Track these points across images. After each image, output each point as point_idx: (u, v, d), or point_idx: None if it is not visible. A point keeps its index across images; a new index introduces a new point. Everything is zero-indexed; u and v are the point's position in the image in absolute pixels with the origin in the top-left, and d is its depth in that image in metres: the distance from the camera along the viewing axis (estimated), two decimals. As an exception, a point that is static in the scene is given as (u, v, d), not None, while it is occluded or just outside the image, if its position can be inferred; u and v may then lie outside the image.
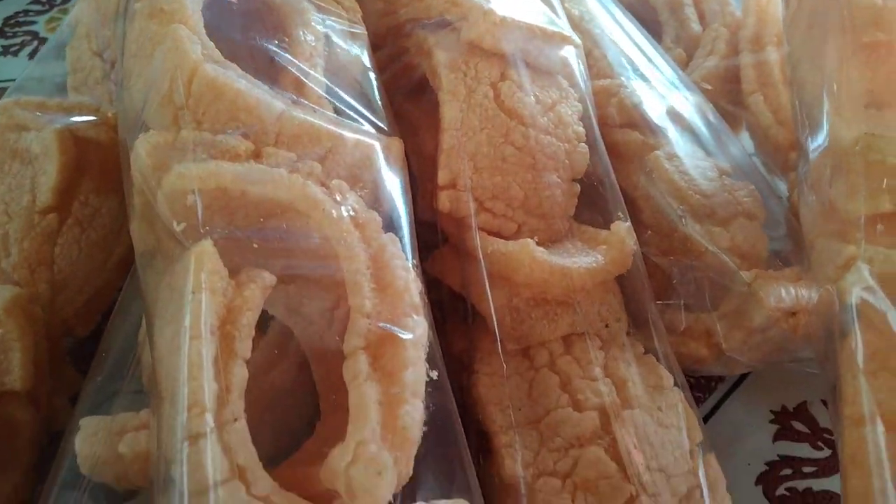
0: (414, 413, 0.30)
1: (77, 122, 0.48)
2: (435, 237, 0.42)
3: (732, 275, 0.42)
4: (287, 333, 0.36)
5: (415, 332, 0.32)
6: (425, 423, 0.30)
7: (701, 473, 0.36)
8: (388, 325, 0.32)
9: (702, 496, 0.36)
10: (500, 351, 0.39)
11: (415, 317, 0.32)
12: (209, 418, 0.29)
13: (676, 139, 0.46)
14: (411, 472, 0.30)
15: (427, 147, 0.44)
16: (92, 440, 0.37)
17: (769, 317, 0.40)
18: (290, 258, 0.33)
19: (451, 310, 0.42)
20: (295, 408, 0.36)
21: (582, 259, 0.40)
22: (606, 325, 0.41)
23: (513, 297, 0.39)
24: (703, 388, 0.49)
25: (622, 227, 0.41)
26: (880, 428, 0.31)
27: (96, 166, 0.48)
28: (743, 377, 0.50)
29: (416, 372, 0.31)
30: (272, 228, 0.33)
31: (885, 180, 0.35)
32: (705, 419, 0.47)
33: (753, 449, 0.46)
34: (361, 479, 0.28)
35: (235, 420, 0.30)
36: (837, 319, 0.34)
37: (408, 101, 0.47)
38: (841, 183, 0.36)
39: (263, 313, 0.32)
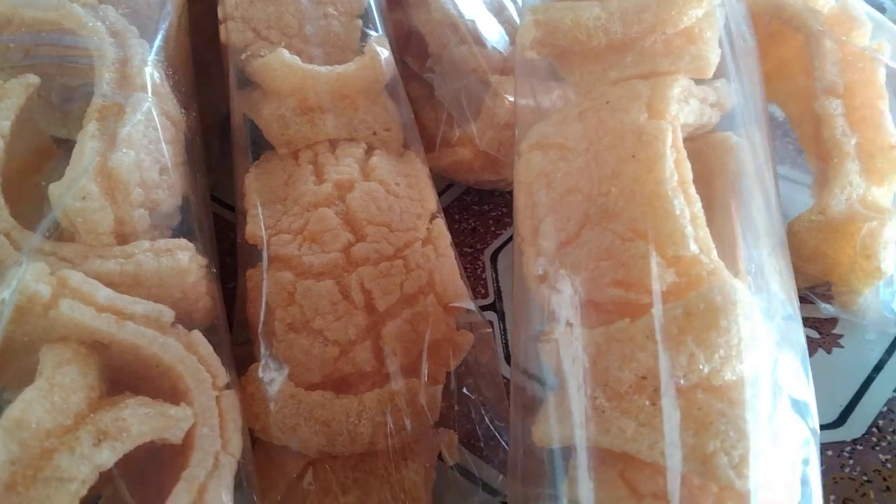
0: (124, 159, 0.36)
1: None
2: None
3: (487, 84, 0.47)
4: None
5: (138, 105, 0.38)
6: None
7: (425, 230, 0.41)
8: (119, 99, 0.38)
9: (423, 248, 0.41)
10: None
11: (140, 93, 0.39)
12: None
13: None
14: (132, 219, 0.37)
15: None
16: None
17: (509, 110, 0.45)
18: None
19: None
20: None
21: (336, 67, 0.45)
22: (374, 133, 0.46)
23: (280, 106, 0.45)
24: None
25: (374, 39, 0.46)
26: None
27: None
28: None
29: (133, 131, 0.37)
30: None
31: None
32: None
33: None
34: (71, 204, 0.35)
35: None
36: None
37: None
38: None
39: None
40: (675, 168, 0.33)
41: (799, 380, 0.34)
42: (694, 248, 0.32)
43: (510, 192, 0.56)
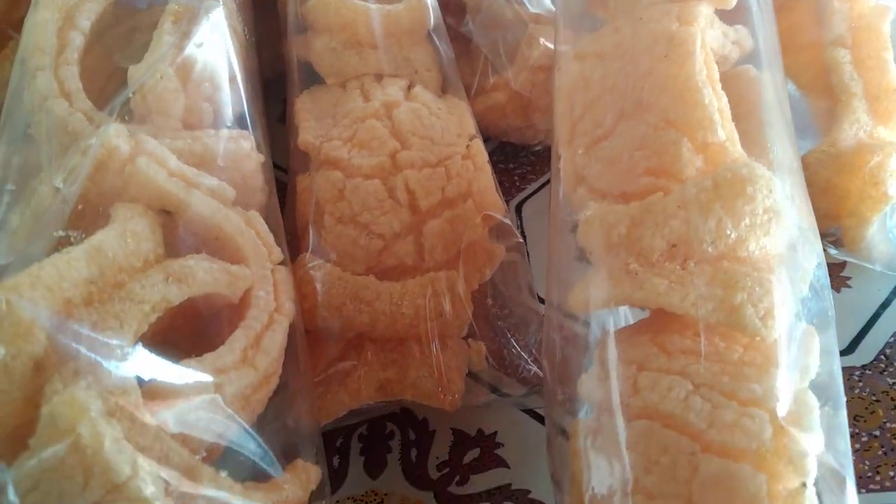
0: (196, 52, 0.40)
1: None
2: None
3: (523, 31, 0.51)
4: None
5: (210, 10, 0.42)
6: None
7: (465, 147, 0.44)
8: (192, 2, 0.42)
9: (463, 161, 0.44)
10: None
11: (212, 1, 0.42)
12: (47, 58, 0.40)
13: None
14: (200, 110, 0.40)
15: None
16: None
17: (543, 53, 0.49)
18: None
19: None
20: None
21: (386, 6, 0.49)
22: (416, 72, 0.50)
23: (331, 40, 0.49)
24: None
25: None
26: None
27: None
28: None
29: (204, 32, 0.41)
30: None
31: None
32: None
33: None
34: (148, 82, 0.38)
35: (68, 65, 0.40)
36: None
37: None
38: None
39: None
40: (704, 65, 0.36)
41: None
42: (721, 134, 0.35)
43: (535, 151, 0.60)
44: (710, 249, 0.33)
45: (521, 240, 0.44)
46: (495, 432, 0.44)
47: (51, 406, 0.27)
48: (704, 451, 0.29)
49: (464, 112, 0.47)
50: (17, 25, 0.62)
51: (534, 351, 0.44)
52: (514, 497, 0.42)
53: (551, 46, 0.50)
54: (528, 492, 0.42)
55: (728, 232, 0.33)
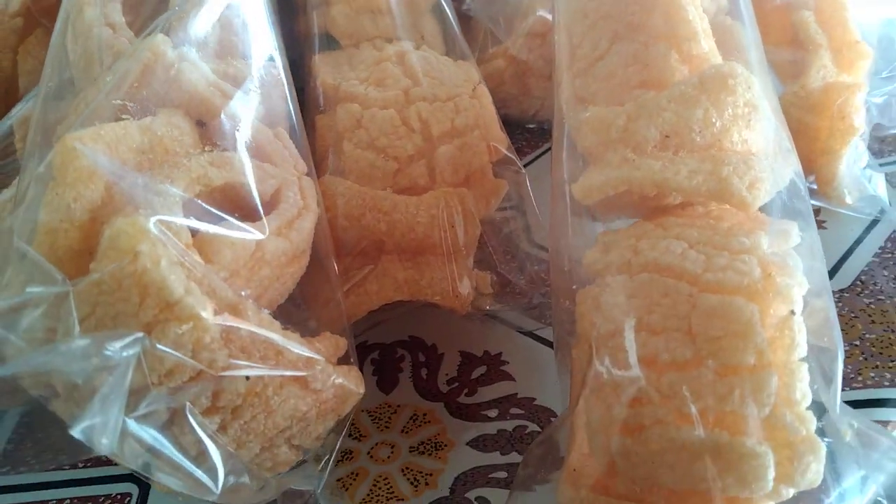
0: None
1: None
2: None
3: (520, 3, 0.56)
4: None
5: None
6: None
7: (471, 90, 0.48)
8: None
9: (471, 100, 0.48)
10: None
11: None
12: (94, -5, 0.44)
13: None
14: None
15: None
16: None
17: (537, 20, 0.54)
18: None
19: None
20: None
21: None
22: (423, 37, 0.55)
23: (347, 6, 0.54)
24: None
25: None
26: None
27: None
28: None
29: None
30: None
31: None
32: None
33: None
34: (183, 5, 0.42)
35: (112, 1, 0.44)
36: None
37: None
38: None
39: None
40: (688, -10, 0.41)
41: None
42: (704, 46, 0.40)
43: (530, 129, 0.64)
44: (698, 139, 0.37)
45: (523, 170, 0.48)
46: (500, 352, 0.47)
47: (112, 229, 0.29)
48: (701, 291, 0.32)
49: (469, 66, 0.52)
50: (46, 12, 0.67)
51: (533, 281, 0.47)
52: (520, 404, 0.44)
53: (546, 15, 0.55)
54: (534, 399, 0.44)
55: (714, 121, 0.37)
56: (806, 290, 0.33)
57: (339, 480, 0.40)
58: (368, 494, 0.40)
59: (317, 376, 0.33)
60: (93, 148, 0.31)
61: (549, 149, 0.52)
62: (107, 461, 0.44)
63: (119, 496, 0.42)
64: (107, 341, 0.27)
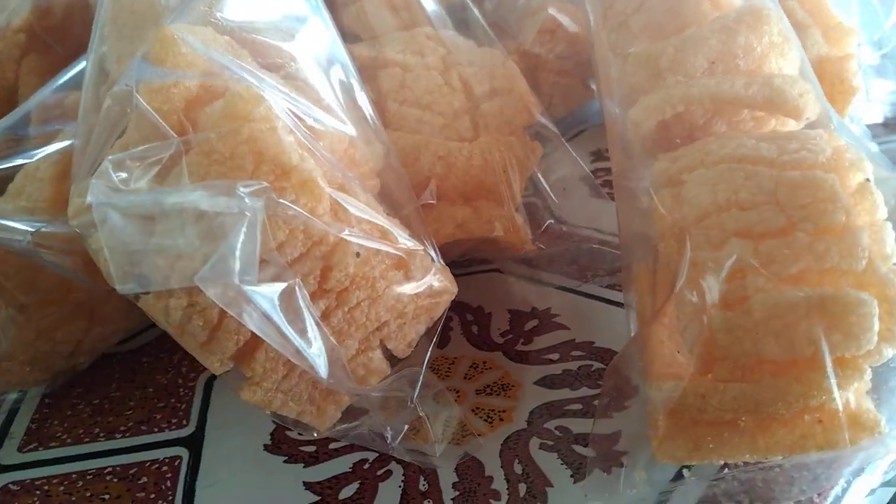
0: None
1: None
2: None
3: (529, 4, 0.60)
4: None
5: None
6: None
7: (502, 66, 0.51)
8: None
9: (503, 69, 0.50)
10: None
11: None
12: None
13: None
14: None
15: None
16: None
17: (547, 17, 0.58)
18: None
19: None
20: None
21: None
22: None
23: (370, 3, 0.56)
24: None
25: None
26: None
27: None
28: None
29: None
30: None
31: None
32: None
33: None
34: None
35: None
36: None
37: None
38: None
39: None
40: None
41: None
42: (734, -8, 0.43)
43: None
44: (741, 64, 0.40)
45: (559, 133, 0.50)
46: (549, 307, 0.47)
47: (226, 97, 0.29)
48: (781, 171, 0.34)
49: (495, 49, 0.54)
50: (50, 31, 0.66)
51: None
52: (580, 347, 0.43)
53: (555, 14, 0.59)
54: (592, 342, 0.44)
55: (755, 46, 0.40)
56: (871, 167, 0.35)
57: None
58: (441, 434, 0.38)
59: (418, 265, 0.32)
60: (191, 38, 0.31)
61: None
62: (146, 430, 0.41)
63: (167, 460, 0.39)
64: (236, 185, 0.26)
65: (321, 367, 0.29)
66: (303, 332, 0.29)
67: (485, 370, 0.43)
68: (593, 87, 0.66)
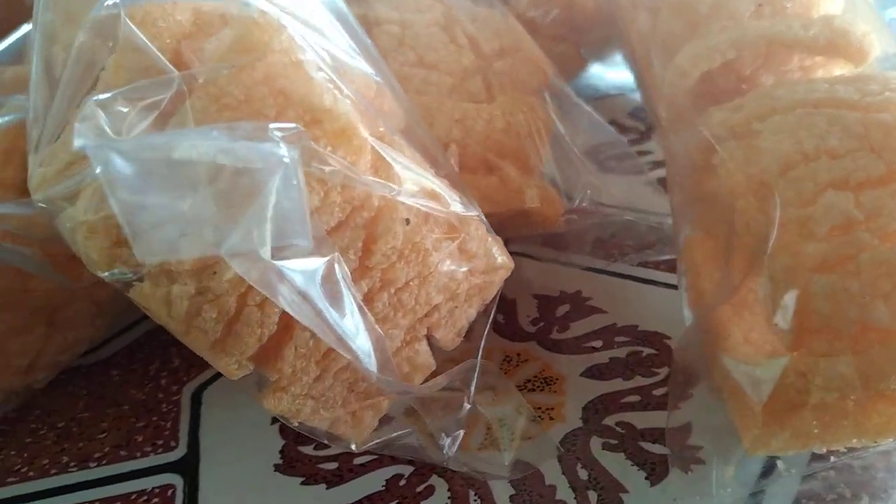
0: None
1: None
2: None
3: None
4: None
5: None
6: None
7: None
8: None
9: (507, 28, 0.45)
10: None
11: None
12: None
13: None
14: None
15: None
16: None
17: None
18: None
19: None
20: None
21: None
22: None
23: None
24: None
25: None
26: None
27: None
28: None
29: None
30: None
31: None
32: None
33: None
34: None
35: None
36: None
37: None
38: None
39: None
40: None
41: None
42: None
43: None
44: (789, 6, 0.36)
45: (575, 96, 0.45)
46: (579, 290, 0.42)
47: (236, 24, 0.23)
48: (866, 112, 0.30)
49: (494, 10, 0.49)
50: None
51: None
52: (623, 332, 0.39)
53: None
54: (636, 326, 0.39)
55: (801, -13, 0.36)
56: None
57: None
58: (485, 439, 0.33)
59: (472, 234, 0.27)
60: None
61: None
62: (127, 455, 0.34)
63: (158, 490, 0.32)
64: (268, 126, 0.20)
65: (371, 361, 0.23)
66: (345, 321, 0.23)
67: (520, 363, 0.37)
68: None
